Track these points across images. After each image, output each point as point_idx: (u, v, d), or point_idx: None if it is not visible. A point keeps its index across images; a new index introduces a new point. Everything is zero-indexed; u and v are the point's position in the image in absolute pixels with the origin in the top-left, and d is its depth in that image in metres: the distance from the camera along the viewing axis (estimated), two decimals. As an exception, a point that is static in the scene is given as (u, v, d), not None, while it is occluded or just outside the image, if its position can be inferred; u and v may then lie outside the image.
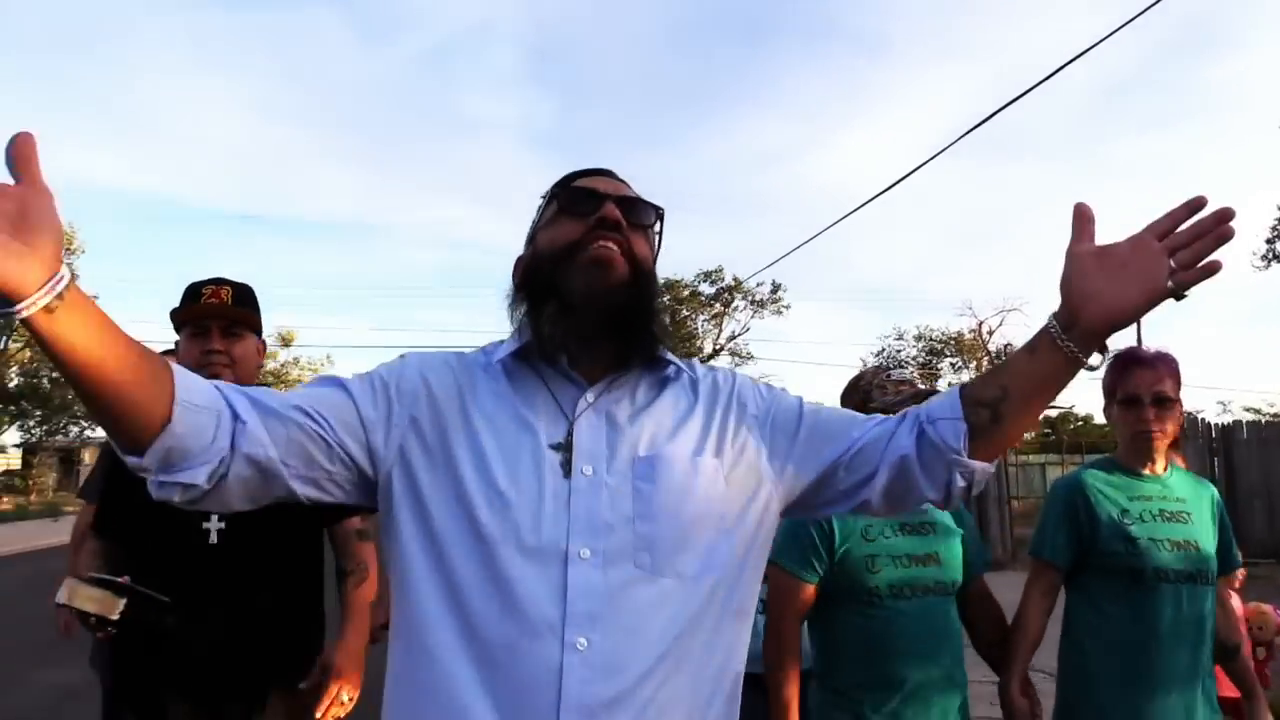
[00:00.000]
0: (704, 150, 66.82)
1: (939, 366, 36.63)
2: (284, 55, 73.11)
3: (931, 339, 37.04)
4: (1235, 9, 54.79)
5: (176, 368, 1.04)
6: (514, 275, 1.37)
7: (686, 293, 37.40)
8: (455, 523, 1.15)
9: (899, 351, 37.87)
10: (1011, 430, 1.23)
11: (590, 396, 1.23)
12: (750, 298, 37.05)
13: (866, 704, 2.20)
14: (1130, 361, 2.47)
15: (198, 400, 1.03)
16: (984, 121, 10.35)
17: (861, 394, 2.51)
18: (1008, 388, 1.21)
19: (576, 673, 1.09)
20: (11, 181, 0.86)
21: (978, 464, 1.24)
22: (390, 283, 77.94)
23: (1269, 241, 27.94)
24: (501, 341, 1.32)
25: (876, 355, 37.98)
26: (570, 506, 1.16)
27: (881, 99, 68.02)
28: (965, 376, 34.62)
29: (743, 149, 67.72)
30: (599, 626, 1.11)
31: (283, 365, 39.79)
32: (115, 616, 2.04)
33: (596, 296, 1.21)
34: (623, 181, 1.36)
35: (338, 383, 1.22)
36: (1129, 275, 1.13)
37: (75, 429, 34.28)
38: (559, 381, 1.25)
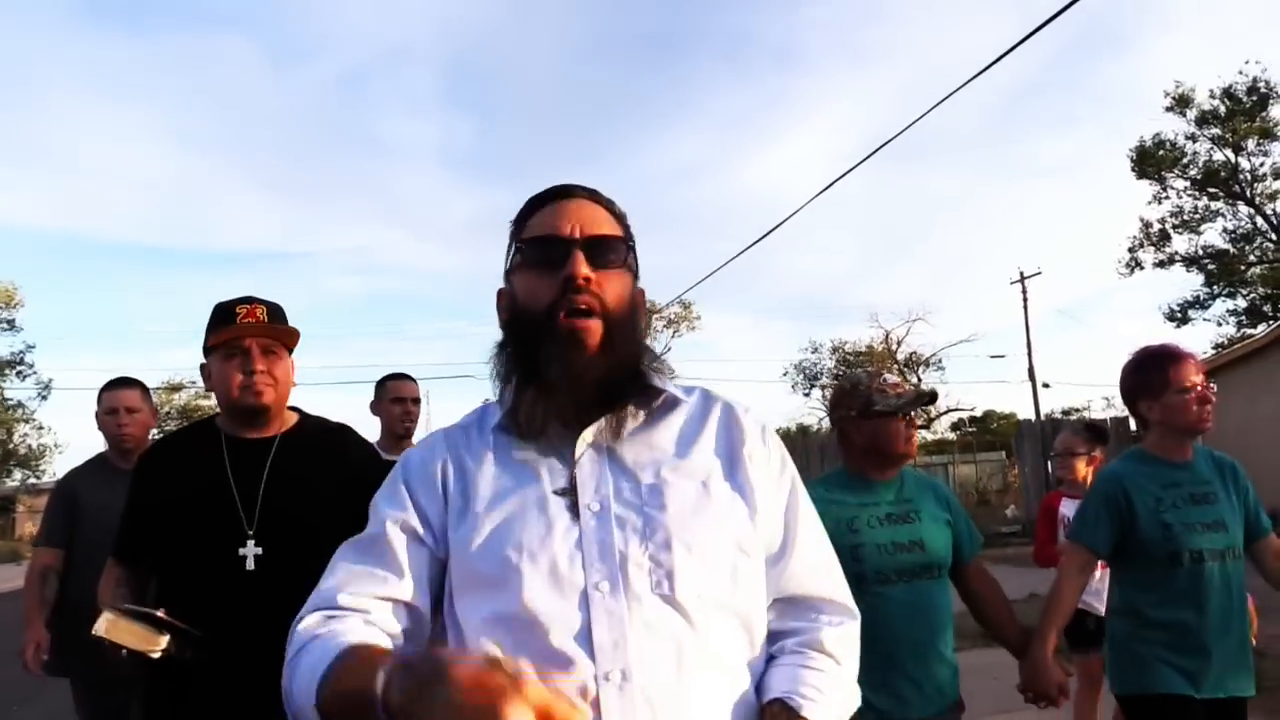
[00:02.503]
0: (625, 166, 67.25)
1: (854, 376, 38.12)
2: (193, 81, 70.92)
3: (845, 351, 38.61)
4: (1132, 7, 56.69)
5: (373, 648, 1.07)
6: (498, 311, 1.38)
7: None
8: (478, 587, 1.18)
9: (815, 365, 39.43)
10: None
11: (589, 436, 1.24)
12: (665, 319, 38.71)
13: (865, 685, 2.24)
14: (1180, 355, 2.64)
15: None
16: (907, 128, 10.91)
17: (863, 399, 2.56)
18: None
19: (614, 704, 1.10)
20: None
21: None
22: (313, 312, 77.78)
23: (1130, 250, 30.27)
24: (496, 400, 1.35)
25: (795, 368, 39.58)
26: (582, 544, 1.17)
27: (798, 109, 68.91)
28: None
29: (663, 164, 68.75)
30: (628, 656, 1.11)
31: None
32: (157, 655, 1.92)
33: (576, 375, 1.21)
34: (594, 198, 1.33)
35: (405, 529, 1.25)
36: None
37: (15, 478, 34.93)
38: (555, 429, 1.25)
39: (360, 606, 1.18)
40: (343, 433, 2.49)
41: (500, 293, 1.37)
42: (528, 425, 1.24)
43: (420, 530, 1.25)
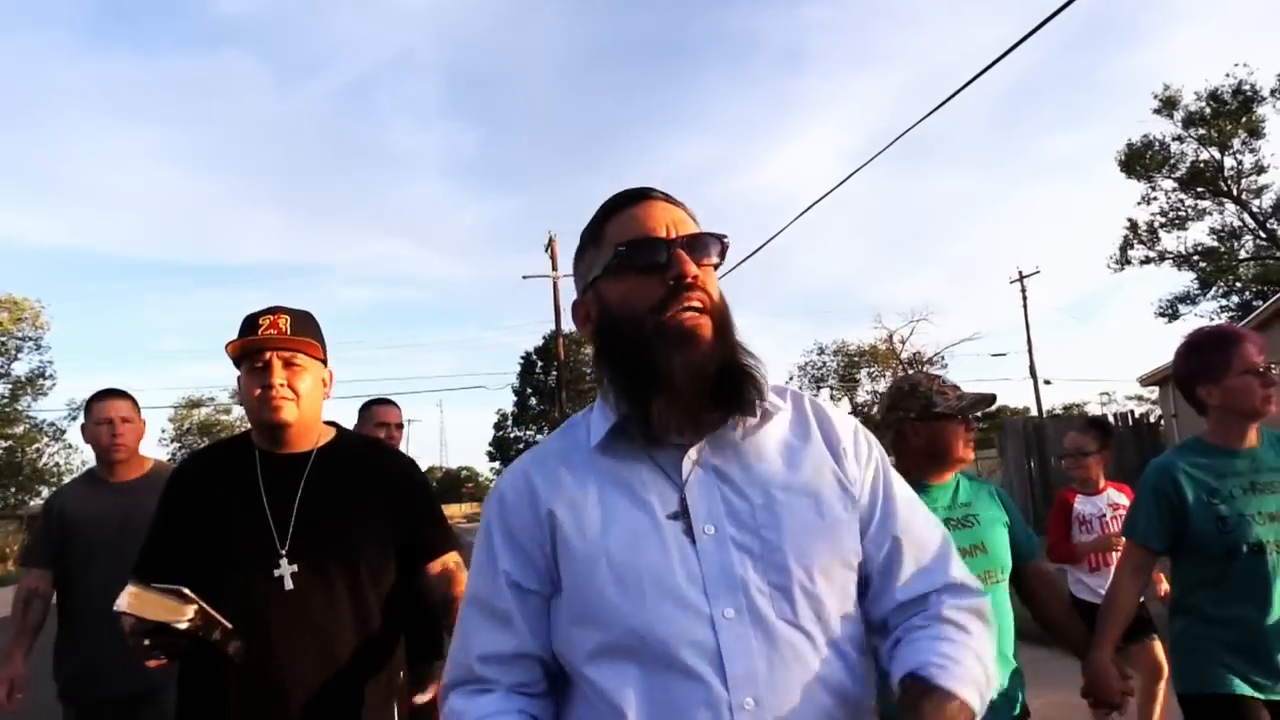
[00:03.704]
0: (630, 173, 68.72)
1: (858, 376, 39.09)
2: (201, 100, 72.93)
3: (848, 353, 39.47)
4: (1137, 3, 57.43)
5: None
6: (577, 322, 1.35)
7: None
8: (598, 614, 1.16)
9: (820, 366, 40.34)
10: None
11: (694, 454, 1.21)
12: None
13: None
14: (1240, 335, 2.52)
15: None
16: (912, 127, 10.94)
17: (922, 401, 2.51)
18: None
19: None
20: None
21: None
22: (326, 324, 77.62)
23: (1121, 249, 31.52)
24: (591, 409, 1.33)
25: (801, 370, 40.48)
26: (703, 570, 1.15)
27: (804, 111, 70.19)
28: (883, 385, 37.20)
29: (669, 169, 69.79)
30: (761, 684, 1.11)
31: (238, 419, 41.02)
32: (184, 625, 1.85)
33: (695, 371, 1.18)
34: (671, 201, 1.30)
35: (513, 586, 1.24)
36: None
37: (43, 496, 35.50)
38: (659, 447, 1.22)
39: (498, 677, 1.22)
40: (379, 447, 2.45)
41: (578, 304, 1.34)
42: (661, 428, 1.19)
43: (533, 576, 1.24)
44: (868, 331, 49.22)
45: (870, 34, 66.50)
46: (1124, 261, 32.05)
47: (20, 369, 34.64)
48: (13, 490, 34.77)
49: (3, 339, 33.70)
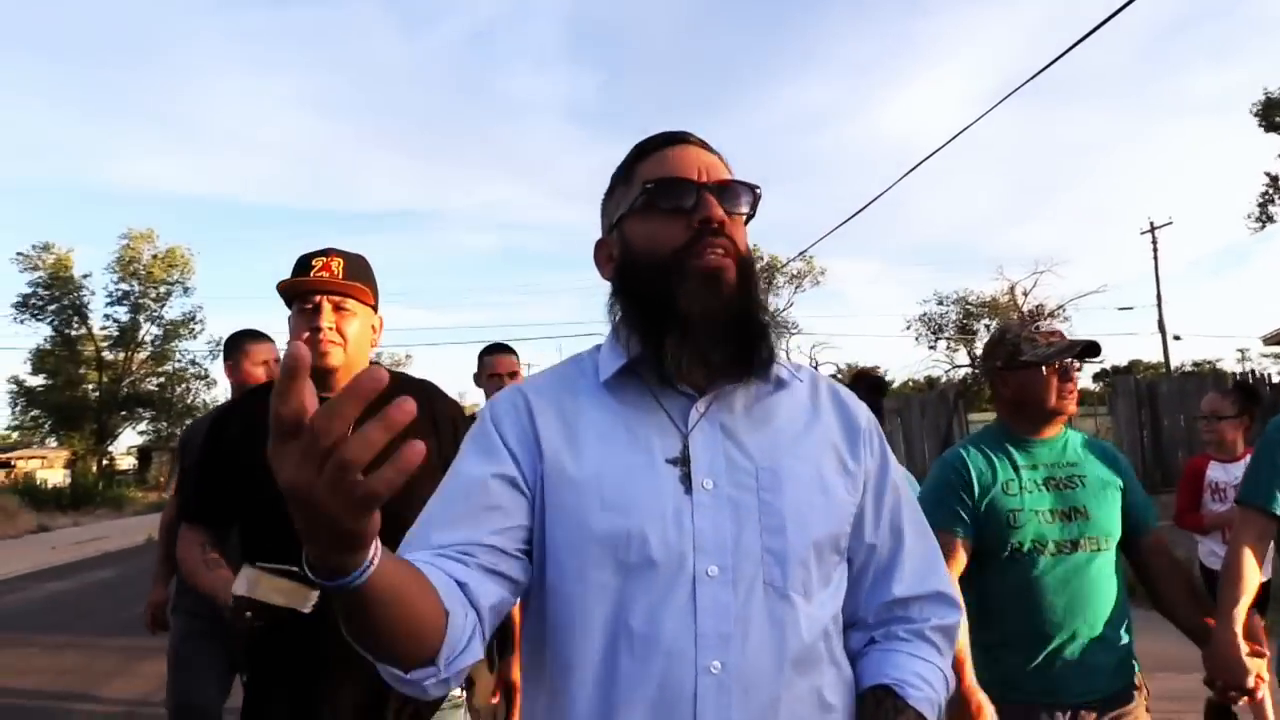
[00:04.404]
0: (749, 117, 67.71)
1: (975, 329, 38.25)
2: (327, 49, 75.13)
3: (967, 303, 38.57)
4: None
5: (429, 572, 1.01)
6: (598, 263, 1.31)
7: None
8: (579, 551, 1.11)
9: (941, 316, 39.53)
10: None
11: (701, 407, 1.19)
12: (787, 274, 39.80)
13: (1013, 662, 2.20)
14: None
15: (452, 606, 1.01)
16: (1046, 68, 10.14)
17: (1009, 348, 2.39)
18: None
19: (712, 697, 1.06)
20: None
21: None
22: (448, 268, 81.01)
23: (1260, 205, 29.77)
24: (598, 348, 1.29)
25: (918, 320, 39.77)
26: (695, 522, 1.11)
27: (930, 51, 67.63)
28: (1002, 336, 36.11)
29: (789, 113, 68.59)
30: (732, 647, 1.07)
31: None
32: (308, 610, 1.80)
33: (714, 314, 1.16)
34: (707, 148, 1.27)
35: (499, 477, 1.16)
36: None
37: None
38: (667, 393, 1.19)
39: (458, 553, 1.09)
40: (425, 388, 2.31)
41: (601, 243, 1.31)
42: (673, 366, 1.16)
43: (517, 479, 1.16)
44: (989, 282, 47.58)
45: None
46: (1264, 219, 30.26)
47: (170, 313, 37.18)
48: (164, 424, 37.68)
49: (156, 285, 36.14)
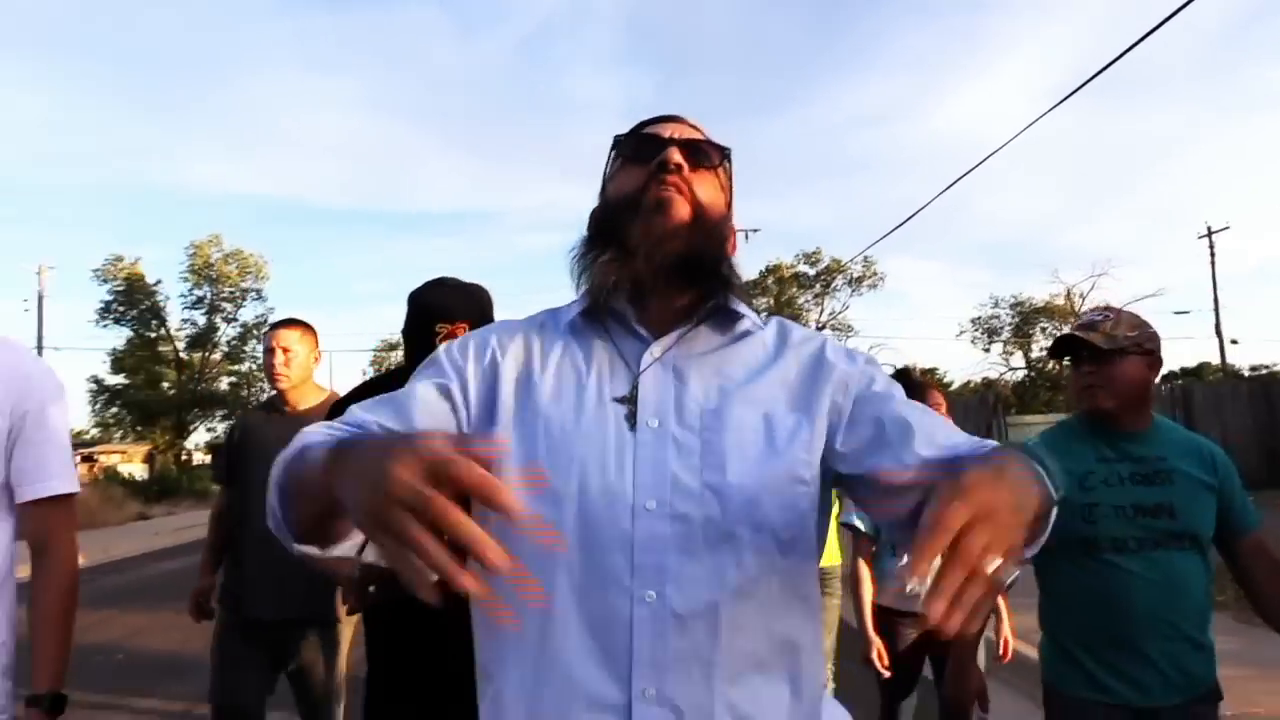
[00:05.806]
0: (807, 115, 66.84)
1: (1032, 333, 38.39)
2: (388, 51, 75.87)
3: (1024, 307, 38.69)
4: None
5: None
6: (587, 229, 1.33)
7: (790, 274, 41.15)
8: (522, 476, 1.13)
9: (996, 319, 39.70)
10: None
11: (656, 350, 1.21)
12: (848, 276, 40.45)
13: (1089, 659, 2.17)
14: None
15: None
16: (1110, 64, 10.09)
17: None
18: None
19: (646, 626, 1.09)
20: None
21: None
22: (506, 268, 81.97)
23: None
24: (574, 302, 1.29)
25: (974, 323, 39.98)
26: (636, 459, 1.13)
27: (991, 48, 66.30)
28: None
29: (847, 111, 67.61)
30: (667, 579, 1.09)
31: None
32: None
33: (656, 241, 1.18)
34: (692, 125, 1.31)
35: (438, 386, 1.21)
36: None
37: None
38: (624, 336, 1.23)
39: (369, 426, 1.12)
40: None
41: (591, 212, 1.34)
42: (600, 290, 1.19)
43: (452, 388, 1.20)
44: (1044, 286, 47.51)
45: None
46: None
47: (245, 315, 38.72)
48: (222, 418, 39.22)
49: (232, 290, 37.68)
